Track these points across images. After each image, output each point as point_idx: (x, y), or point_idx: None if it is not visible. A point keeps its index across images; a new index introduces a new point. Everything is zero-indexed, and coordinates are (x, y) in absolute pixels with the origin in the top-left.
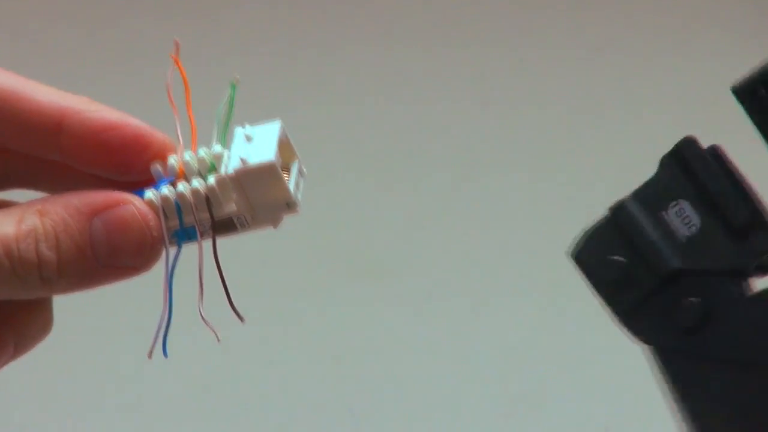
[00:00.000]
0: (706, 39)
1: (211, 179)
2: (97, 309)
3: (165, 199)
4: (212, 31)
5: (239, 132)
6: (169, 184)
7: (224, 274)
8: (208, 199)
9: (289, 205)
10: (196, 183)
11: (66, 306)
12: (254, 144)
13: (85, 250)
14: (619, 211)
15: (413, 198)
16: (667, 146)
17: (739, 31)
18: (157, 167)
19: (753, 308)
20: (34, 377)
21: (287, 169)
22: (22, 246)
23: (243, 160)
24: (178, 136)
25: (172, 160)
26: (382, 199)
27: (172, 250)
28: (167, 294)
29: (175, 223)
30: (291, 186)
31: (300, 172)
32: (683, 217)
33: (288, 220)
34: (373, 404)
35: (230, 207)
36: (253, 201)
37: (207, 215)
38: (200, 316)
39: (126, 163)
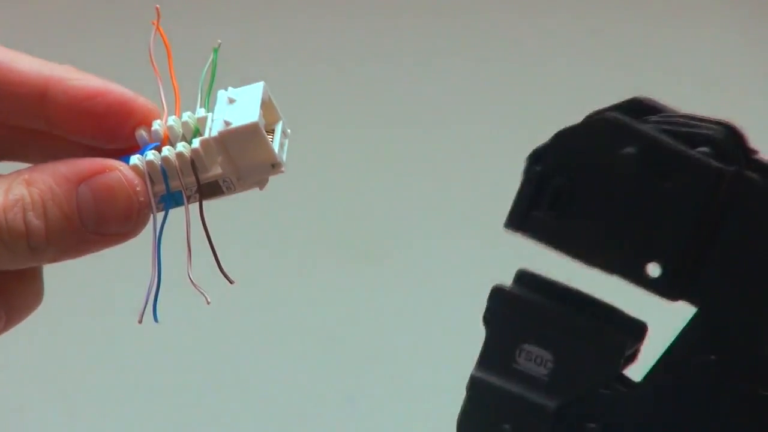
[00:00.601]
0: None
1: (196, 142)
2: (86, 276)
3: (150, 164)
4: None
5: (222, 95)
6: (154, 149)
7: (212, 237)
8: (193, 163)
9: (274, 166)
10: (181, 147)
11: (56, 274)
12: (237, 106)
13: (73, 218)
14: (476, 385)
15: (410, 180)
16: None
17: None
18: (141, 133)
19: (636, 404)
20: (25, 348)
21: (271, 130)
22: (10, 215)
23: (226, 122)
24: (162, 101)
25: (157, 125)
26: (379, 181)
27: (160, 216)
28: (156, 259)
29: (161, 188)
30: (275, 146)
31: (284, 133)
32: (534, 359)
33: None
34: (371, 389)
35: (215, 170)
36: (238, 163)
37: (193, 179)
38: (189, 280)
39: (111, 129)
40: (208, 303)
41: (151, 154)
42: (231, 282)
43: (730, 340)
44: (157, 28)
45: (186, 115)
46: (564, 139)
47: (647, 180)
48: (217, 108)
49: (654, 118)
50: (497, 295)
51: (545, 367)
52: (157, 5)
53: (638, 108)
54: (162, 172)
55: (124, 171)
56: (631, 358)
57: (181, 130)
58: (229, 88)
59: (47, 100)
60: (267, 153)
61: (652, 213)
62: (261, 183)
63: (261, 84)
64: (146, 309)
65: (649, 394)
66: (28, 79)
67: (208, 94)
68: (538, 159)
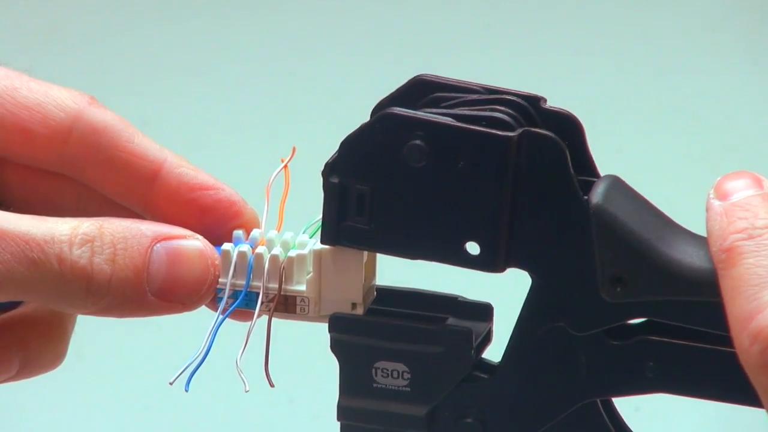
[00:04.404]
0: None
1: (293, 252)
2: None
3: (241, 255)
4: None
5: None
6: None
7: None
8: (283, 270)
9: (354, 306)
10: (277, 251)
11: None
12: None
13: (141, 273)
14: (345, 414)
15: None
16: None
17: None
18: (240, 233)
19: (501, 387)
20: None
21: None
22: (76, 252)
23: None
24: (263, 222)
25: (256, 233)
26: None
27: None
28: (210, 339)
29: (241, 283)
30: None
31: (372, 288)
32: (391, 373)
33: None
34: None
35: (300, 286)
36: (323, 288)
37: (274, 286)
38: (236, 366)
39: (212, 224)
40: (247, 390)
41: (244, 247)
42: (271, 385)
43: (567, 297)
44: (285, 166)
45: (287, 234)
46: (350, 146)
47: (441, 165)
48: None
49: (437, 96)
50: (336, 323)
51: (403, 379)
52: (294, 146)
53: (420, 88)
54: (249, 268)
55: (204, 242)
56: (486, 340)
57: (278, 243)
58: None
59: (158, 181)
60: (355, 289)
61: (455, 194)
62: None
63: None
64: (182, 376)
65: (510, 374)
66: (145, 157)
67: (315, 231)
68: (332, 171)
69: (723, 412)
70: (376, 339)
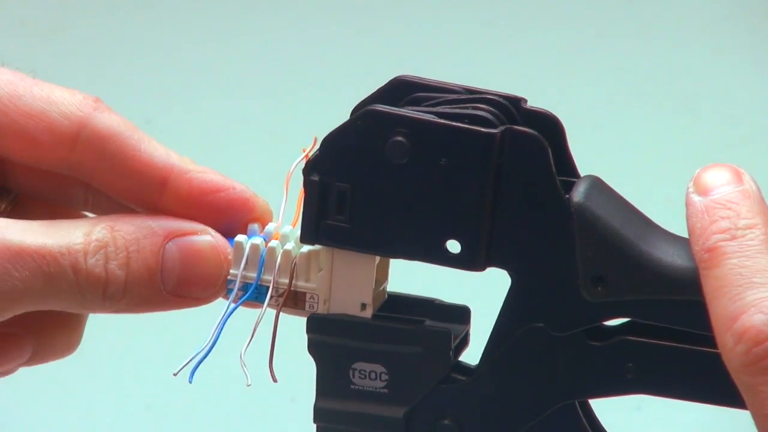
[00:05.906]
0: None
1: (306, 248)
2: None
3: (254, 248)
4: None
5: None
6: (262, 239)
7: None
8: (295, 265)
9: (363, 307)
10: (290, 246)
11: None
12: None
13: (155, 273)
14: (321, 416)
15: None
16: None
17: None
18: (254, 226)
19: (479, 389)
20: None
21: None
22: (91, 261)
23: None
24: (280, 215)
25: (271, 227)
26: None
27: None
28: (217, 332)
29: (251, 276)
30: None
31: (384, 291)
32: (368, 375)
33: None
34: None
35: (311, 282)
36: (334, 286)
37: (285, 281)
38: (240, 359)
39: (227, 224)
40: (249, 385)
41: (257, 239)
42: (274, 380)
43: (547, 297)
44: (306, 156)
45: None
46: (331, 143)
47: (423, 162)
48: None
49: (418, 96)
50: (314, 323)
51: (381, 380)
52: (315, 136)
53: (400, 89)
54: (261, 261)
55: (216, 236)
56: (464, 343)
57: (293, 239)
58: None
59: (167, 187)
60: (365, 289)
61: (437, 192)
62: None
63: None
64: (187, 367)
65: (488, 376)
66: (153, 164)
67: None
68: (312, 169)
69: (724, 411)
70: (354, 340)
